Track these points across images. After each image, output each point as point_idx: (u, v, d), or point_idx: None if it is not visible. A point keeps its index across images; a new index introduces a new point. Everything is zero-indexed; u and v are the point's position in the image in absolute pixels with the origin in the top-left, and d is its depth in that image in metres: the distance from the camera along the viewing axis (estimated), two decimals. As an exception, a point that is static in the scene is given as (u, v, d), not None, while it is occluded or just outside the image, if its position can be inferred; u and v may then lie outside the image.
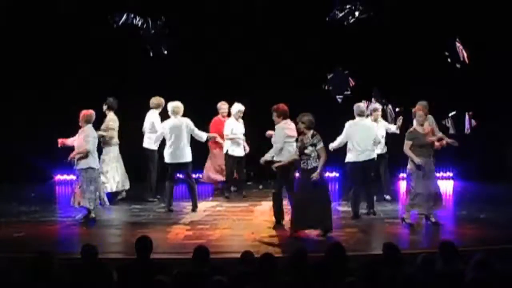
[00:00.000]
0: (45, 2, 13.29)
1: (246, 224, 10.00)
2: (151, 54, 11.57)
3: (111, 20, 11.40)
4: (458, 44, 11.15)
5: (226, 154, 12.04)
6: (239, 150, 12.11)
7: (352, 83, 11.46)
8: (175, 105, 10.89)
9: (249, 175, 14.03)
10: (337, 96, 11.57)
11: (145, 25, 11.38)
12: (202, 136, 11.17)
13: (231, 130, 11.99)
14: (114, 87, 12.50)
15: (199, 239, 8.80)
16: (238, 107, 12.06)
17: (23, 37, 13.29)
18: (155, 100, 11.76)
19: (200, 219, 10.40)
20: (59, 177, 14.10)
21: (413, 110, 10.51)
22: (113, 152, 11.45)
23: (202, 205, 11.33)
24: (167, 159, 10.85)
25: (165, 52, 11.53)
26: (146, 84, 12.61)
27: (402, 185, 12.34)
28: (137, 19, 11.35)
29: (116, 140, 11.49)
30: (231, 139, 11.98)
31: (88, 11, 12.96)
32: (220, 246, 8.50)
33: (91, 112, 10.31)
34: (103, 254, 7.16)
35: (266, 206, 11.52)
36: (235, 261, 6.42)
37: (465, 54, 11.14)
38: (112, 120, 11.45)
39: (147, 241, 6.34)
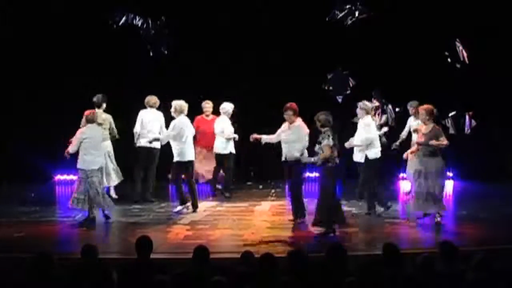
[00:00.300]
0: (44, 2, 13.30)
1: (246, 224, 10.00)
2: (151, 54, 11.56)
3: (111, 20, 11.39)
4: (458, 44, 11.15)
5: (230, 154, 12.06)
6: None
7: (352, 83, 11.47)
8: (183, 104, 10.86)
9: (249, 175, 14.11)
10: (337, 96, 11.58)
11: (145, 25, 11.37)
12: (194, 133, 11.34)
13: (230, 130, 12.05)
14: (115, 87, 12.51)
15: (199, 239, 8.78)
16: (232, 106, 12.08)
17: (22, 37, 13.30)
18: (155, 99, 11.75)
19: (200, 219, 10.39)
20: (59, 177, 14.11)
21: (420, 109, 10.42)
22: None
23: (202, 205, 11.30)
24: (181, 158, 10.76)
25: (165, 52, 11.52)
26: (145, 84, 12.62)
27: (403, 185, 12.35)
28: (137, 19, 11.34)
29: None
30: (230, 138, 12.02)
31: (88, 11, 12.96)
32: (220, 246, 8.49)
33: (91, 112, 10.31)
34: (103, 254, 7.15)
35: (266, 206, 11.54)
36: (235, 261, 6.42)
37: (465, 54, 11.13)
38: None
39: (147, 241, 6.34)
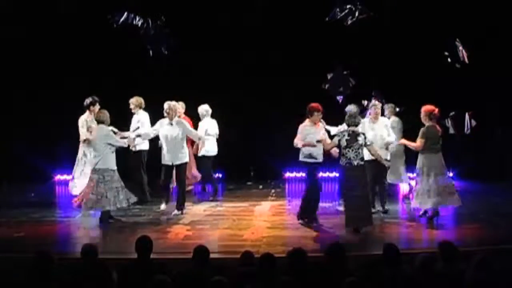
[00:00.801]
0: (44, 2, 13.30)
1: (246, 224, 10.00)
2: (151, 54, 11.56)
3: (111, 20, 11.39)
4: (458, 44, 11.16)
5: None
6: None
7: (352, 82, 11.49)
8: (177, 105, 10.87)
9: (249, 175, 14.11)
10: (337, 96, 11.60)
11: (145, 25, 11.36)
12: None
13: None
14: (116, 88, 12.50)
15: (199, 239, 8.79)
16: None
17: (22, 37, 13.29)
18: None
19: (200, 219, 10.39)
20: (59, 177, 14.11)
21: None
22: (80, 153, 11.23)
23: (202, 205, 11.37)
24: (187, 158, 10.86)
25: (165, 52, 11.51)
26: (145, 84, 12.62)
27: (402, 186, 12.35)
28: (137, 19, 11.33)
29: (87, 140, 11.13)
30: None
31: (88, 11, 12.96)
32: (220, 246, 8.50)
33: (98, 111, 10.30)
34: (103, 254, 7.15)
35: (266, 206, 11.54)
36: (235, 261, 6.42)
37: (465, 54, 11.14)
38: (81, 120, 11.21)
39: (147, 241, 6.34)
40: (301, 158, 9.85)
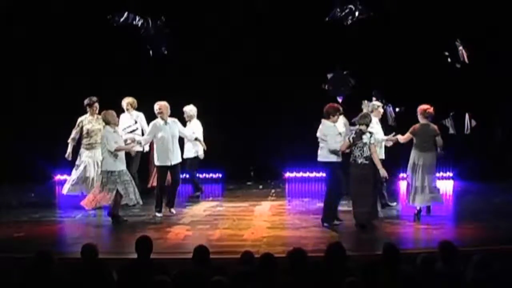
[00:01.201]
0: (44, 2, 13.30)
1: (246, 224, 10.00)
2: (151, 54, 11.55)
3: (111, 20, 11.38)
4: (458, 44, 11.15)
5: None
6: None
7: (352, 83, 11.48)
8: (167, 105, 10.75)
9: (249, 175, 14.11)
10: (337, 96, 11.58)
11: (145, 25, 11.35)
12: None
13: None
14: (116, 88, 12.50)
15: (199, 239, 8.79)
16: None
17: (22, 37, 13.29)
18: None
19: (200, 219, 10.40)
20: (59, 177, 14.09)
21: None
22: (80, 155, 11.22)
23: (202, 205, 11.38)
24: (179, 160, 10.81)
25: (165, 52, 11.50)
26: (145, 84, 12.62)
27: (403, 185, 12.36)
28: (137, 19, 11.32)
29: (83, 142, 11.18)
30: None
31: (89, 11, 12.95)
32: (220, 246, 8.50)
33: (105, 112, 10.24)
34: (103, 254, 7.15)
35: (266, 206, 11.54)
36: (235, 261, 6.42)
37: (465, 54, 11.14)
38: (78, 120, 11.23)
39: (147, 241, 6.35)
40: (323, 158, 9.69)
